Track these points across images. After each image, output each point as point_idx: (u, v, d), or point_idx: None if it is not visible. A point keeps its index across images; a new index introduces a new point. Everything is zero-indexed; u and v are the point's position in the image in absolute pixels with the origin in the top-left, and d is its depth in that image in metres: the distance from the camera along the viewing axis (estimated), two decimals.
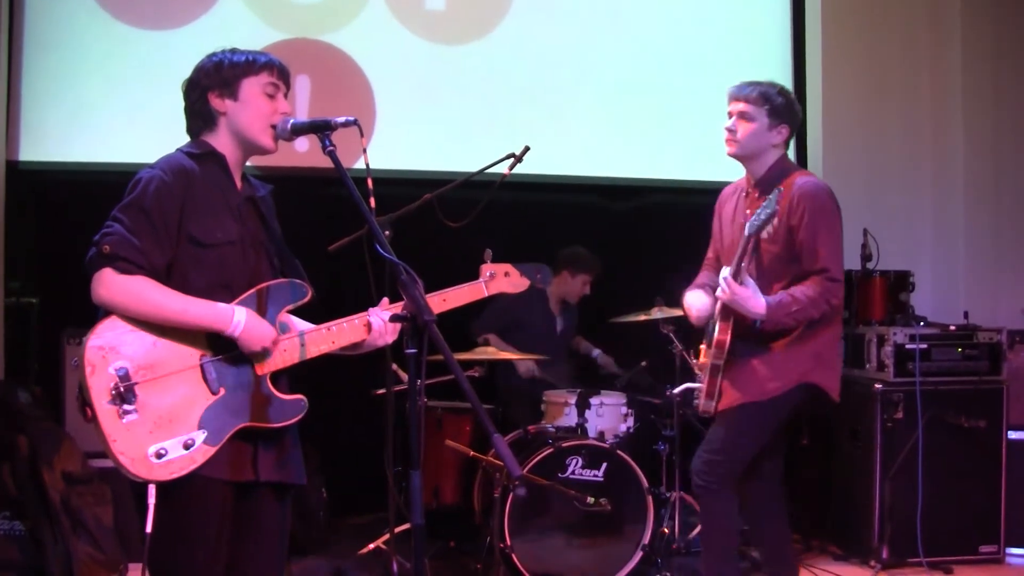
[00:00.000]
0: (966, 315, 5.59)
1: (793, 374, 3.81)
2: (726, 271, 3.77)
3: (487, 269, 3.18)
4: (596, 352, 6.14)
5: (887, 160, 6.45)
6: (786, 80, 6.53)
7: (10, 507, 4.54)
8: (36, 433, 4.69)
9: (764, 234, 3.74)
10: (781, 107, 3.90)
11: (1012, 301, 6.19)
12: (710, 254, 4.29)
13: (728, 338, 3.82)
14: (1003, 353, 5.40)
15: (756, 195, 3.92)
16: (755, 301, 3.70)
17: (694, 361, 4.19)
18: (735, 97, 3.95)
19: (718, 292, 3.79)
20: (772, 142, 3.91)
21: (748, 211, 3.91)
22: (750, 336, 3.82)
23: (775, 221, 3.70)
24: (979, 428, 5.26)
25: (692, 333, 5.56)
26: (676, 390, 4.76)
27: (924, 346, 5.33)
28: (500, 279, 3.20)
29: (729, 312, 3.81)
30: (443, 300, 3.00)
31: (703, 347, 4.05)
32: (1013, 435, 5.35)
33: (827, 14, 6.47)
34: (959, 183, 6.42)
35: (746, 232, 3.71)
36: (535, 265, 3.29)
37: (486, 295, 3.17)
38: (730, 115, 3.95)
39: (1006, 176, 6.43)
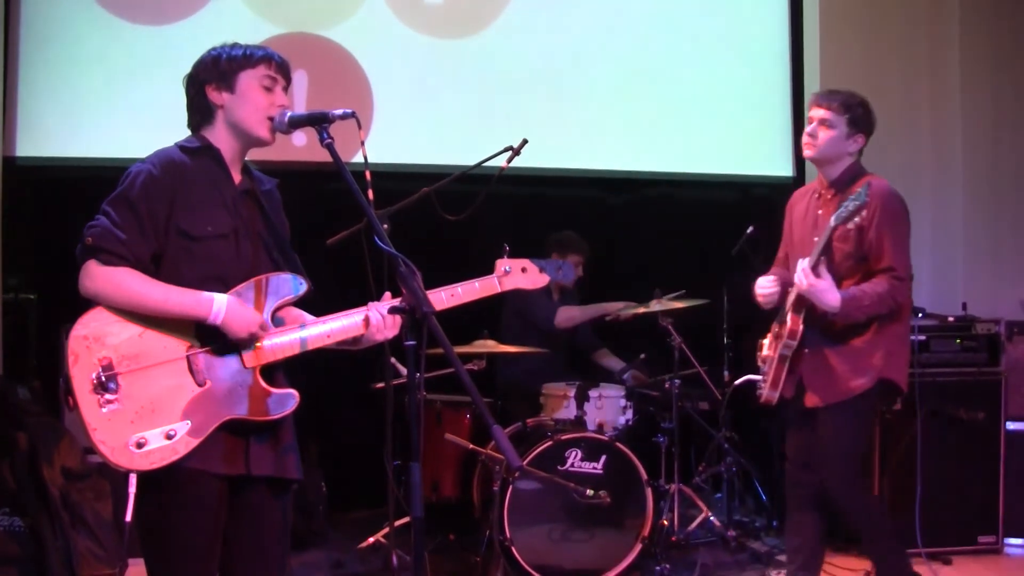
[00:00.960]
0: (964, 307, 5.60)
1: (873, 370, 3.99)
2: (804, 262, 3.92)
3: (503, 264, 3.09)
4: (626, 375, 5.60)
5: (886, 151, 6.43)
6: (784, 73, 6.56)
7: (10, 503, 4.54)
8: (35, 429, 4.69)
9: (851, 224, 3.85)
10: (860, 117, 4.08)
11: (1010, 292, 6.19)
12: (780, 253, 4.47)
13: (800, 328, 4.01)
14: (1002, 344, 5.41)
15: (830, 195, 4.12)
16: (831, 294, 3.87)
17: (759, 354, 4.35)
18: (818, 103, 4.13)
19: (796, 281, 3.94)
20: (848, 150, 4.10)
21: (820, 211, 4.15)
22: (826, 330, 4.02)
23: (864, 213, 3.79)
24: (978, 419, 5.27)
25: (690, 326, 5.60)
26: (738, 381, 4.99)
27: (923, 338, 5.35)
28: (516, 275, 3.11)
29: (802, 304, 4.01)
30: (452, 296, 2.95)
31: (767, 340, 4.30)
32: (1011, 426, 5.36)
33: (826, 6, 6.46)
34: (958, 174, 6.41)
35: (832, 222, 3.85)
36: (556, 261, 3.22)
37: (499, 291, 3.07)
38: (811, 120, 4.13)
39: (1004, 168, 6.42)
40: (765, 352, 4.27)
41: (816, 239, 4.02)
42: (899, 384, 4.07)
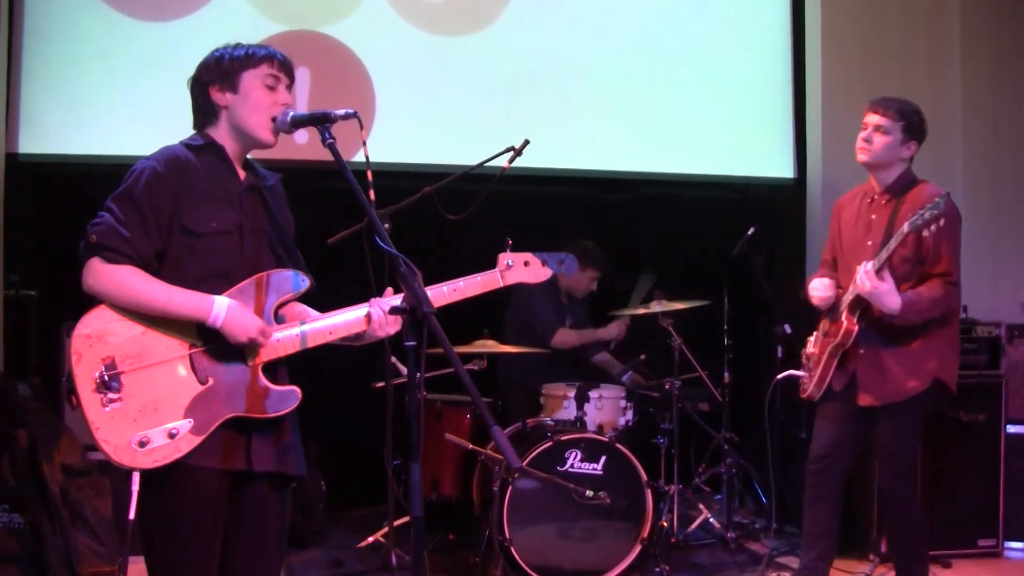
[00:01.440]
0: (965, 309, 5.59)
1: (927, 372, 4.12)
2: (868, 264, 4.01)
3: (505, 258, 3.06)
4: (626, 376, 5.78)
5: None
6: (785, 74, 6.56)
7: (9, 500, 4.54)
8: (35, 426, 4.69)
9: (926, 232, 3.91)
10: (915, 125, 4.19)
11: (1011, 295, 6.19)
12: (826, 255, 4.56)
13: (856, 329, 4.12)
14: (1002, 347, 5.41)
15: (884, 201, 4.24)
16: (893, 296, 3.99)
17: (803, 351, 4.46)
18: (874, 109, 4.22)
19: (858, 283, 4.02)
20: (901, 156, 4.21)
21: (874, 215, 4.25)
22: (883, 332, 4.12)
23: (942, 221, 3.85)
24: (978, 422, 5.27)
25: (690, 326, 5.60)
26: (780, 376, 5.03)
27: None
28: (519, 269, 3.08)
29: (858, 305, 4.13)
30: (454, 290, 2.95)
31: (814, 337, 4.43)
32: (1012, 429, 5.36)
33: (827, 7, 6.46)
34: (957, 178, 6.40)
35: (906, 228, 3.89)
36: (559, 253, 3.17)
37: (502, 285, 3.05)
38: (865, 126, 4.22)
39: (1004, 170, 6.42)
40: (810, 349, 4.40)
41: (869, 243, 4.17)
42: (950, 386, 4.19)
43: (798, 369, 4.53)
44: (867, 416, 4.21)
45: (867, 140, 4.20)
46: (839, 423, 4.29)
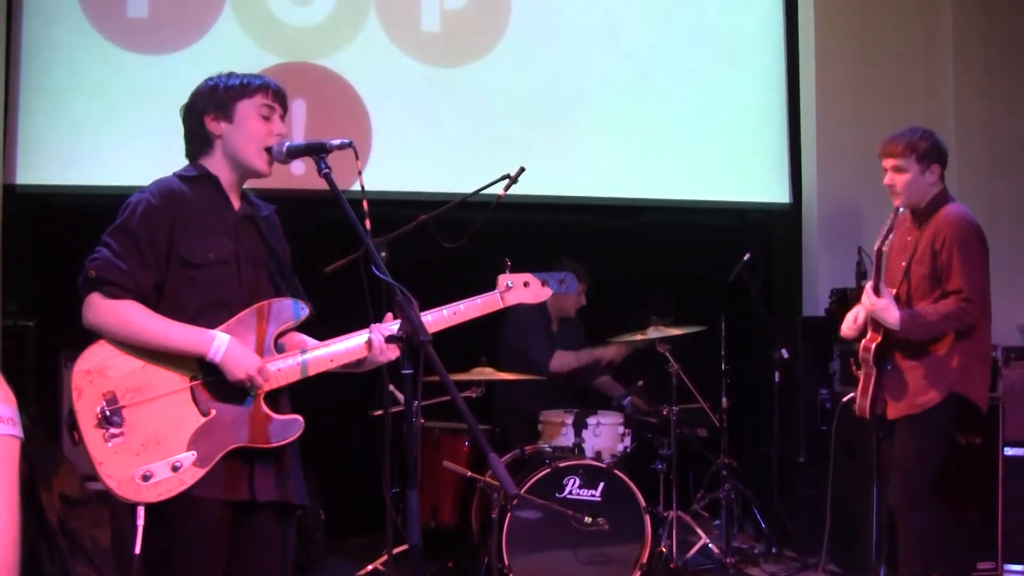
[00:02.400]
0: None
1: (942, 386, 4.16)
2: (869, 283, 4.22)
3: (505, 279, 3.08)
4: (625, 402, 5.69)
5: (879, 175, 6.47)
6: (780, 100, 6.60)
7: None
8: (33, 455, 4.68)
9: (916, 256, 4.18)
10: (928, 150, 4.27)
11: (1007, 318, 6.19)
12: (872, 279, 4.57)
13: (873, 346, 4.26)
14: (999, 370, 5.41)
15: (919, 223, 4.33)
16: (889, 312, 4.12)
17: (856, 369, 4.51)
18: (884, 154, 4.33)
19: (863, 301, 4.25)
20: (929, 182, 4.28)
21: (909, 238, 4.33)
22: (904, 351, 4.23)
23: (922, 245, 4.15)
24: (975, 444, 5.25)
25: (688, 352, 5.60)
26: (845, 398, 5.03)
27: None
28: (519, 290, 3.09)
29: (878, 323, 4.25)
30: (454, 313, 2.96)
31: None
32: (1009, 451, 5.35)
33: (821, 34, 6.51)
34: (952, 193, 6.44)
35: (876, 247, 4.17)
36: (558, 273, 3.18)
37: (502, 306, 3.06)
38: (885, 170, 4.33)
39: (1000, 191, 6.45)
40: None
41: (903, 263, 4.29)
42: (974, 401, 4.23)
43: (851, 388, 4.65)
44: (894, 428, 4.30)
45: (891, 185, 4.30)
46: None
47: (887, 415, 4.28)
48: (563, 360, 5.78)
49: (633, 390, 5.71)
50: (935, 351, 4.20)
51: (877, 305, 4.15)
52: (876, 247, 4.22)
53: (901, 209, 4.31)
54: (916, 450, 4.22)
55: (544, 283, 3.14)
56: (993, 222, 6.40)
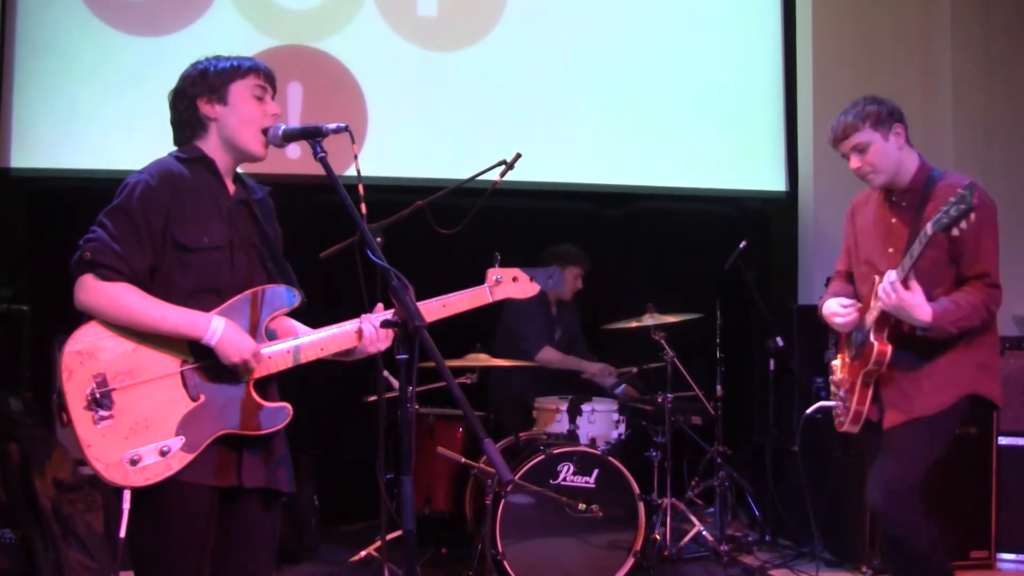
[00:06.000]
0: None
1: (959, 387, 3.64)
2: (892, 274, 3.51)
3: (494, 273, 3.05)
4: (619, 390, 5.74)
5: None
6: (777, 88, 6.59)
7: (1, 515, 4.52)
8: (27, 440, 4.67)
9: (956, 231, 3.34)
10: (879, 113, 3.71)
11: (1004, 308, 6.18)
12: (840, 266, 4.07)
13: (889, 350, 3.62)
14: None
15: (905, 202, 3.74)
16: (922, 308, 3.47)
17: (831, 377, 3.97)
18: (839, 138, 3.76)
19: (882, 296, 3.53)
20: (897, 147, 3.71)
21: (895, 219, 3.75)
22: (910, 347, 3.62)
23: (972, 216, 3.30)
24: (970, 434, 5.27)
25: (683, 340, 5.60)
26: (809, 410, 4.29)
27: None
28: (507, 284, 3.07)
29: (886, 322, 3.61)
30: (443, 306, 2.94)
31: (839, 362, 3.92)
32: (1004, 441, 5.37)
33: (818, 21, 6.49)
34: None
35: (929, 230, 3.36)
36: (546, 268, 3.15)
37: (490, 301, 3.04)
38: (846, 156, 3.78)
39: (996, 183, 6.41)
40: (838, 375, 3.88)
41: (891, 249, 3.65)
42: (992, 399, 3.71)
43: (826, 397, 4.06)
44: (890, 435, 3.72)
45: (859, 168, 3.73)
46: None
47: (884, 423, 3.70)
48: (548, 356, 5.79)
49: (626, 378, 5.71)
50: (950, 348, 3.60)
51: (908, 300, 3.46)
52: (932, 227, 3.38)
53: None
54: (915, 456, 3.66)
55: (532, 278, 3.11)
56: None
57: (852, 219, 3.99)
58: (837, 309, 3.80)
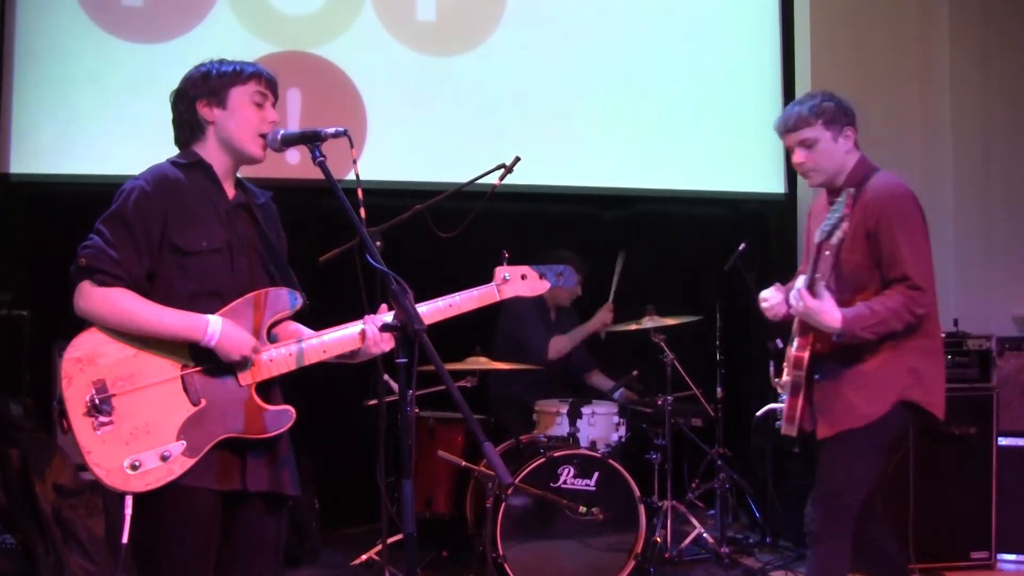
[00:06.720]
0: (956, 323, 5.61)
1: (890, 393, 3.50)
2: (800, 281, 3.49)
3: (502, 272, 3.04)
4: (618, 393, 5.74)
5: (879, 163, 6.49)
6: (775, 90, 6.59)
7: (1, 519, 4.53)
8: (27, 445, 4.68)
9: (835, 239, 3.36)
10: (834, 112, 3.60)
11: (1002, 308, 6.22)
12: (801, 268, 3.98)
13: (807, 355, 3.55)
14: (993, 360, 5.42)
15: (826, 205, 3.66)
16: (831, 315, 3.40)
17: (776, 380, 3.84)
18: (787, 129, 3.65)
19: (792, 303, 3.49)
20: (844, 150, 3.61)
21: None
22: (838, 354, 3.52)
23: (844, 226, 3.32)
24: (969, 435, 5.27)
25: (682, 342, 5.61)
26: (759, 412, 4.26)
27: None
28: (516, 282, 3.05)
29: (808, 326, 3.53)
30: (450, 305, 2.94)
31: (785, 364, 3.74)
32: (1003, 441, 5.37)
33: (816, 23, 6.50)
34: (948, 191, 6.44)
35: (816, 239, 3.40)
36: (556, 267, 3.13)
37: (499, 299, 3.03)
38: (790, 149, 3.67)
39: (995, 184, 6.46)
40: (784, 377, 3.72)
41: (827, 252, 3.45)
42: (930, 409, 3.56)
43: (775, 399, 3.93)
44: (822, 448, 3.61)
45: (801, 164, 3.63)
46: None
47: (818, 434, 3.57)
48: (559, 345, 5.78)
49: (626, 381, 5.71)
50: (880, 353, 3.49)
51: (813, 307, 3.39)
52: (817, 238, 3.41)
53: (845, 194, 3.43)
54: (849, 470, 3.52)
55: (542, 276, 3.10)
56: (988, 209, 6.43)
57: (809, 223, 3.89)
58: (768, 298, 3.75)
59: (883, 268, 3.50)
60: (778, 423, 3.75)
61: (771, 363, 5.82)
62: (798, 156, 3.63)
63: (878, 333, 3.44)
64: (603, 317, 5.81)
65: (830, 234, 3.35)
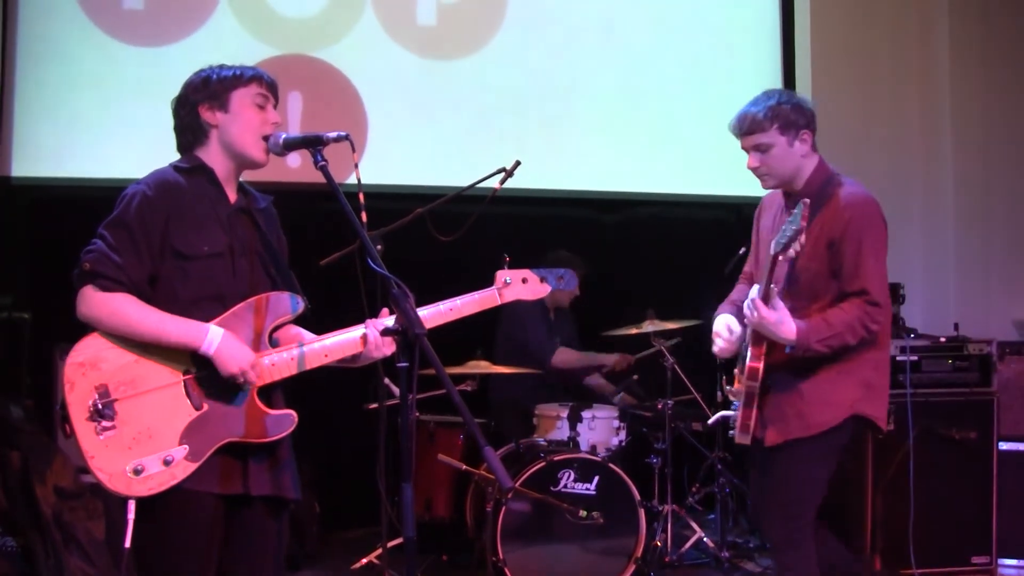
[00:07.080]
0: (956, 327, 5.61)
1: (843, 406, 3.44)
2: (754, 292, 3.38)
3: (503, 275, 3.03)
4: (618, 397, 5.83)
5: (876, 173, 6.48)
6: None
7: (2, 522, 4.53)
8: (28, 448, 4.68)
9: (792, 251, 3.23)
10: (792, 115, 3.46)
11: (1002, 312, 6.21)
12: (747, 268, 3.90)
13: (761, 365, 3.43)
14: (993, 364, 5.41)
15: (782, 209, 3.58)
16: (786, 326, 3.31)
17: (728, 388, 3.74)
18: (741, 133, 3.53)
19: (745, 314, 3.40)
20: (801, 154, 3.48)
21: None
22: (791, 364, 3.43)
23: (802, 238, 3.19)
24: (970, 439, 5.27)
25: (683, 345, 5.61)
26: (711, 420, 4.14)
27: (915, 358, 5.33)
28: (517, 286, 3.04)
29: (762, 336, 3.41)
30: (451, 309, 2.93)
31: (737, 372, 3.66)
32: (1004, 446, 5.36)
33: (816, 29, 6.51)
34: (949, 195, 6.44)
35: (771, 251, 3.27)
36: (557, 270, 3.12)
37: (500, 303, 3.01)
38: (745, 150, 3.55)
39: (996, 188, 6.46)
40: (736, 385, 3.64)
41: (781, 257, 3.30)
42: (876, 420, 3.50)
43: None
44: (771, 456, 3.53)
45: (756, 168, 3.51)
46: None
47: (765, 442, 3.48)
48: (566, 356, 5.78)
49: (626, 386, 5.71)
50: (835, 364, 3.42)
51: (768, 319, 3.29)
52: (772, 249, 3.28)
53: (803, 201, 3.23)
54: (802, 478, 3.47)
55: (543, 279, 3.08)
56: (989, 212, 6.43)
57: (758, 219, 3.78)
58: (722, 332, 3.61)
59: (842, 279, 3.42)
60: (731, 432, 3.66)
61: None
62: (752, 160, 3.52)
63: (832, 347, 3.37)
64: (621, 360, 5.83)
65: (786, 246, 3.22)
